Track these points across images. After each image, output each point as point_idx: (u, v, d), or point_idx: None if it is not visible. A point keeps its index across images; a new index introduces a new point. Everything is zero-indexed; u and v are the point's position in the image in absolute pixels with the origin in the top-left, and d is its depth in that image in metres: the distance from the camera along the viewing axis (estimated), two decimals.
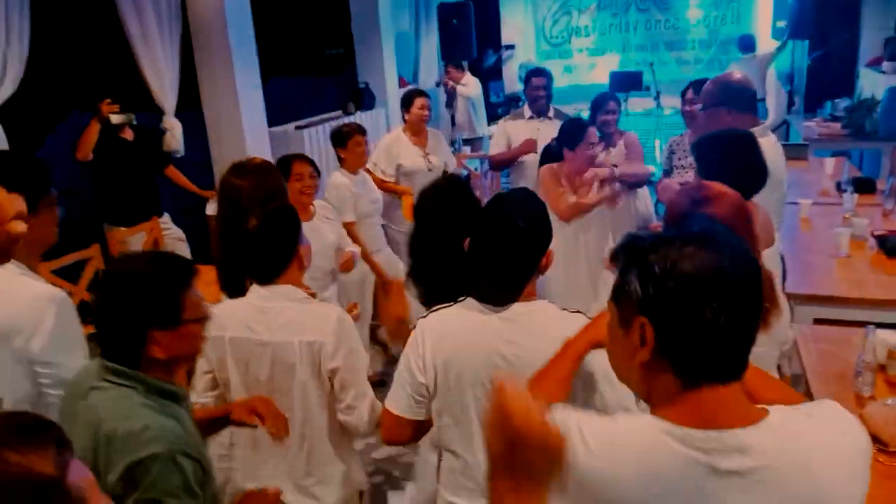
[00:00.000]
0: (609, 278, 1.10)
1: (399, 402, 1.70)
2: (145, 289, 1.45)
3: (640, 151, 4.24)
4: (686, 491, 0.98)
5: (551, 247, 1.68)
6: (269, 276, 1.94)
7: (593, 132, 3.48)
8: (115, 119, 4.16)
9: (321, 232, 3.25)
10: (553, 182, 3.49)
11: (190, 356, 1.59)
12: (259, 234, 1.93)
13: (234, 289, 2.12)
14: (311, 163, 3.29)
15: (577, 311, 1.66)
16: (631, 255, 1.05)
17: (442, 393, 1.65)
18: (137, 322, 1.44)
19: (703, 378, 1.01)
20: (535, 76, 4.59)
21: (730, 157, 2.33)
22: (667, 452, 0.99)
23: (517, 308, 1.62)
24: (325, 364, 1.88)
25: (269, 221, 1.94)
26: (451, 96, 7.63)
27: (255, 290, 1.95)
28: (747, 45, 7.82)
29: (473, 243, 1.67)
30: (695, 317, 0.99)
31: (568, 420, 1.04)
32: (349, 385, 1.89)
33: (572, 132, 3.47)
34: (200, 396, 2.00)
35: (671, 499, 0.99)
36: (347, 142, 3.88)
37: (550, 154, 3.69)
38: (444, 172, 4.54)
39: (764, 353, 1.78)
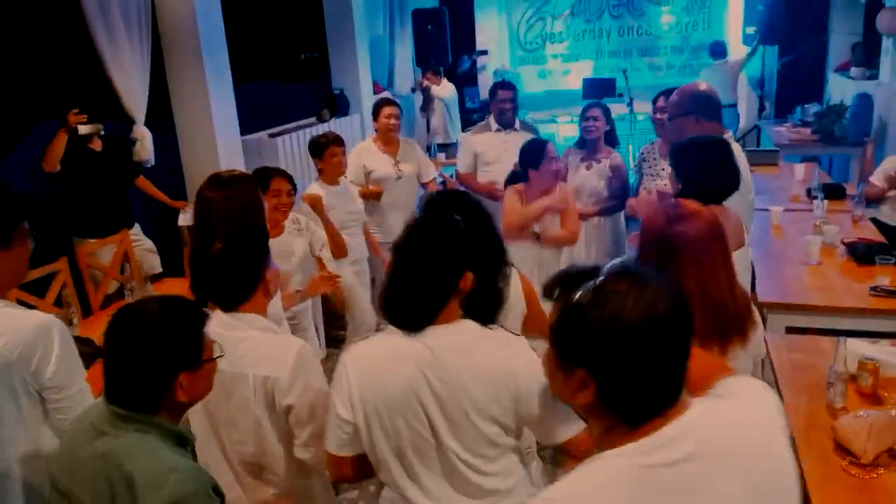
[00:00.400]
0: None
1: (332, 440, 1.64)
2: (174, 332, 1.45)
3: (625, 177, 4.26)
4: (653, 498, 1.01)
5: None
6: (232, 303, 1.86)
7: (552, 147, 3.53)
8: (83, 129, 4.07)
9: (290, 247, 3.23)
10: (510, 205, 3.50)
11: (203, 396, 1.58)
12: (223, 258, 1.83)
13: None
14: (290, 180, 3.25)
15: (499, 326, 1.64)
16: (567, 305, 1.07)
17: (372, 426, 1.58)
18: (168, 366, 1.44)
19: (649, 417, 1.05)
20: (502, 89, 4.57)
21: (707, 159, 2.48)
22: (616, 474, 1.02)
23: (435, 332, 1.56)
24: (280, 400, 1.80)
25: (235, 245, 1.85)
26: (427, 99, 7.61)
27: (218, 317, 1.84)
28: (718, 50, 7.91)
29: (390, 266, 1.63)
30: (637, 367, 1.02)
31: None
32: (306, 422, 1.81)
33: (533, 152, 3.51)
34: None
35: None
36: (324, 153, 3.86)
37: (515, 179, 3.69)
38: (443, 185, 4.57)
39: (740, 366, 1.80)
